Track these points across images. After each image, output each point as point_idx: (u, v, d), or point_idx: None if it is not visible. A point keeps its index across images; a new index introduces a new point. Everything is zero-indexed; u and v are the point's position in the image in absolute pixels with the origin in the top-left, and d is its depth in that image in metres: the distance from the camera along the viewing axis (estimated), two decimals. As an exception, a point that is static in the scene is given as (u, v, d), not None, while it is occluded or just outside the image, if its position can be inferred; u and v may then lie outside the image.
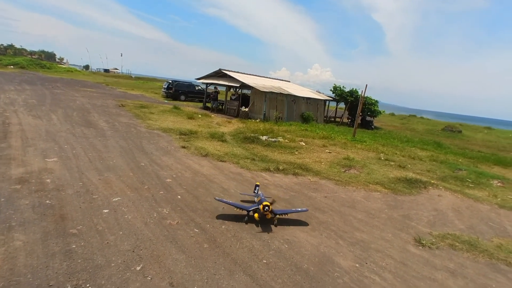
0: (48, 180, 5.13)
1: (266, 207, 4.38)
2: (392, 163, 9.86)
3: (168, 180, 5.97)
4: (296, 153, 9.98)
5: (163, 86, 28.18)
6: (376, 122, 25.87)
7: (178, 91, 26.18)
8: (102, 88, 28.32)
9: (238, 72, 21.19)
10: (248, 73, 22.44)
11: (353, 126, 17.55)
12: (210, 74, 21.68)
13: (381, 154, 11.08)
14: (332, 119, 25.72)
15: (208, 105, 22.26)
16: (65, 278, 2.86)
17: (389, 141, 15.05)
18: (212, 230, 4.15)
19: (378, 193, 6.84)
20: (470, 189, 8.00)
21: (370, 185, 7.32)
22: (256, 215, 4.49)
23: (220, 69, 20.57)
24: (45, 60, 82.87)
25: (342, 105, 26.32)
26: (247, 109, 18.68)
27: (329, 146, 11.65)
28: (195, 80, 23.59)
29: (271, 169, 7.65)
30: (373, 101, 23.52)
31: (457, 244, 4.67)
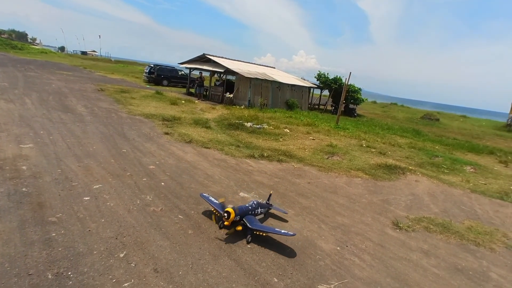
0: (23, 167, 4.93)
1: (226, 214, 3.67)
2: (373, 150, 10.13)
3: (151, 167, 5.88)
4: (281, 140, 10.05)
5: (145, 70, 27.31)
6: (359, 109, 26.32)
7: (160, 76, 25.47)
8: (79, 71, 27.07)
9: (222, 57, 20.79)
10: (233, 58, 22.07)
11: (336, 114, 17.79)
12: (194, 59, 21.16)
13: (363, 141, 11.35)
14: (316, 106, 25.94)
15: (192, 90, 21.85)
16: (45, 267, 2.80)
17: (371, 129, 15.40)
18: (196, 217, 4.16)
19: (359, 179, 7.04)
20: (445, 174, 8.38)
21: (352, 171, 7.52)
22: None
23: (204, 54, 20.10)
24: (16, 40, 77.90)
25: (326, 92, 26.52)
26: (231, 95, 18.49)
27: (313, 133, 11.79)
28: (178, 64, 23.00)
29: (256, 155, 7.69)
30: (356, 89, 23.83)
31: (431, 226, 4.92)
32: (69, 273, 2.77)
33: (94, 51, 77.50)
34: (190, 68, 22.28)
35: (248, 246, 3.64)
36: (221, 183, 5.56)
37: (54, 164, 5.30)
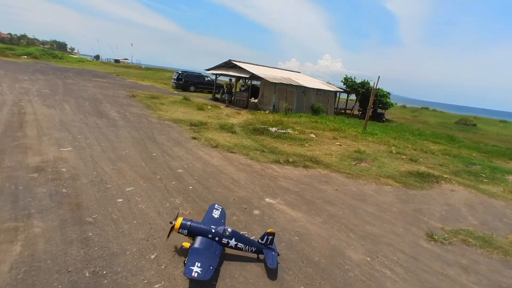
0: (63, 169, 5.25)
1: (173, 222, 3.32)
2: (404, 156, 9.72)
3: (180, 170, 6.04)
4: (306, 145, 9.93)
5: (173, 76, 28.22)
6: (388, 114, 25.45)
7: (187, 82, 26.18)
8: (112, 78, 28.55)
9: (248, 63, 21.03)
10: (258, 64, 22.25)
11: (364, 119, 17.30)
12: (220, 65, 21.58)
13: (393, 147, 10.93)
14: (343, 111, 25.40)
15: (218, 96, 22.24)
16: (83, 265, 2.95)
17: (401, 134, 14.81)
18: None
19: (389, 187, 6.77)
20: (484, 184, 7.84)
21: (381, 178, 7.25)
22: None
23: (230, 60, 20.44)
24: (57, 50, 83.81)
25: (353, 96, 25.93)
26: (256, 100, 18.60)
27: (339, 139, 11.54)
28: (205, 70, 23.55)
29: (281, 161, 7.65)
30: (385, 93, 23.10)
31: (470, 240, 4.60)
32: (104, 272, 2.90)
33: (126, 59, 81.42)
34: (216, 74, 22.74)
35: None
36: (247, 188, 5.58)
37: (90, 166, 5.60)
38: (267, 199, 5.20)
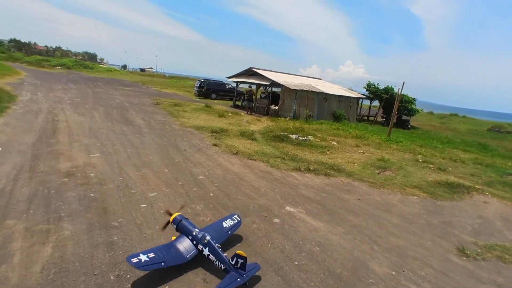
0: (92, 174, 5.49)
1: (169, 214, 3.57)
2: (431, 165, 9.30)
3: (201, 177, 6.13)
4: (328, 152, 9.77)
5: (195, 84, 28.91)
6: (413, 121, 24.55)
7: (209, 90, 26.74)
8: (138, 87, 29.73)
9: (268, 70, 21.16)
10: (279, 71, 22.33)
11: (387, 126, 16.80)
12: (240, 73, 21.87)
13: (419, 155, 10.50)
14: (365, 118, 24.81)
15: (238, 103, 22.49)
16: (108, 268, 3.04)
17: (428, 142, 14.20)
18: (243, 229, 4.19)
19: (416, 197, 6.49)
20: (521, 196, 7.31)
21: (407, 188, 6.97)
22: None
23: (250, 68, 20.68)
24: (88, 60, 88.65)
25: (376, 103, 25.30)
26: (276, 107, 18.62)
27: (362, 146, 11.26)
28: (226, 78, 23.95)
29: (302, 169, 7.56)
30: (410, 99, 22.35)
31: (506, 256, 4.29)
32: (128, 276, 2.98)
33: (151, 68, 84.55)
34: (237, 82, 23.06)
35: (296, 263, 3.55)
36: (267, 196, 5.55)
37: (116, 172, 5.82)
38: (288, 208, 5.15)
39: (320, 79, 25.61)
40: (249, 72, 21.22)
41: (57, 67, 50.56)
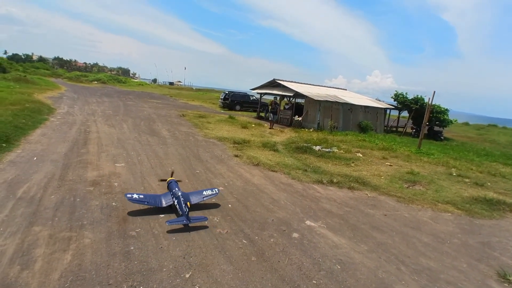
0: (115, 184, 5.66)
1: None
2: (467, 179, 8.63)
3: (220, 188, 6.10)
4: (352, 165, 9.41)
5: (220, 96, 29.55)
6: (446, 132, 23.20)
7: (233, 101, 27.18)
8: (166, 100, 30.92)
9: (291, 81, 21.15)
10: (303, 82, 22.24)
11: (418, 137, 15.99)
12: (264, 84, 22.04)
13: (453, 169, 9.81)
14: (394, 129, 23.84)
15: (262, 114, 22.58)
16: (123, 278, 3.05)
17: (463, 154, 13.27)
18: (260, 243, 4.07)
19: (449, 214, 6.00)
20: None
21: (439, 204, 6.48)
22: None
23: (274, 79, 20.78)
24: (122, 75, 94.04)
25: (405, 113, 24.28)
26: (300, 118, 18.44)
27: (389, 159, 10.75)
28: (250, 90, 24.22)
29: (324, 181, 7.31)
30: (442, 109, 21.21)
31: (558, 285, 3.78)
32: (141, 287, 2.96)
33: (179, 81, 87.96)
34: (260, 93, 23.23)
35: (314, 281, 3.35)
36: (287, 209, 5.39)
37: (139, 182, 5.96)
38: (308, 222, 4.95)
39: (345, 89, 25.13)
40: (273, 84, 21.33)
41: (94, 82, 54.10)
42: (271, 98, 20.60)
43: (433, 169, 9.64)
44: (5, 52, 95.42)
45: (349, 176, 7.93)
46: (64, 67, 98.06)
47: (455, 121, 23.63)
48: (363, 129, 18.07)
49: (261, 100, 24.73)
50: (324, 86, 23.94)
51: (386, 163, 9.94)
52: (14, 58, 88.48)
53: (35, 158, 6.66)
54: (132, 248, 3.60)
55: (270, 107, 18.64)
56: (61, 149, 7.64)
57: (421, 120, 15.05)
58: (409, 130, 22.20)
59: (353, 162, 9.70)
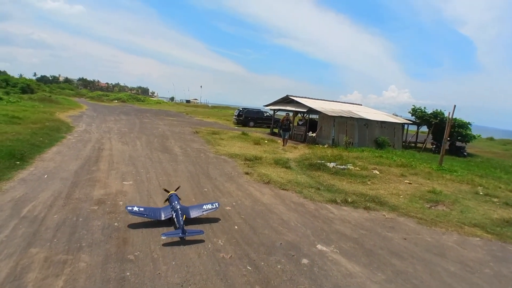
0: (120, 203, 5.55)
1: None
2: (495, 199, 7.96)
3: (228, 208, 5.86)
4: (369, 183, 8.95)
5: (234, 113, 29.76)
6: (470, 148, 22.08)
7: (247, 118, 27.29)
8: (182, 117, 31.45)
9: (305, 97, 21.01)
10: (317, 98, 22.05)
11: (438, 153, 15.23)
12: (277, 101, 22.00)
13: (479, 187, 9.12)
14: (413, 145, 22.96)
15: (275, 130, 22.40)
16: (114, 309, 2.83)
17: (489, 172, 12.43)
18: (266, 270, 3.76)
19: (478, 238, 5.45)
20: None
21: (465, 227, 5.93)
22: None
23: (287, 95, 20.72)
24: (141, 94, 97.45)
25: (424, 128, 23.44)
26: (314, 134, 18.10)
27: (409, 176, 10.18)
28: (263, 106, 24.23)
29: (338, 200, 6.92)
30: (464, 123, 20.30)
31: None
32: (133, 320, 2.72)
33: (195, 99, 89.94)
34: (274, 110, 23.17)
35: (324, 317, 2.99)
36: (297, 231, 5.06)
37: (145, 200, 5.83)
38: (319, 246, 4.59)
39: (361, 104, 24.69)
40: (286, 100, 21.24)
41: (114, 101, 56.25)
42: (284, 113, 20.03)
43: (457, 188, 9.00)
44: (35, 74, 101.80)
45: (365, 195, 7.49)
46: (87, 87, 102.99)
47: (479, 136, 22.55)
48: (379, 145, 17.47)
49: (275, 116, 24.63)
50: (339, 102, 23.61)
51: (405, 181, 9.39)
52: (43, 79, 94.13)
53: (45, 176, 6.71)
54: (128, 274, 3.38)
55: (282, 123, 16.60)
56: (72, 167, 7.69)
57: (442, 135, 14.38)
58: (429, 145, 21.30)
59: (369, 179, 9.23)
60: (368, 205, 6.79)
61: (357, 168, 10.67)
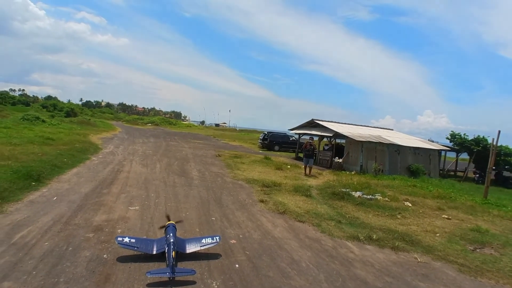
0: (119, 230, 5.21)
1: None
2: (560, 244, 6.57)
3: (233, 241, 5.29)
4: (399, 216, 7.93)
5: (260, 137, 29.59)
6: (521, 178, 19.61)
7: (272, 142, 26.94)
8: (209, 140, 31.86)
9: (331, 121, 20.29)
10: (345, 122, 21.23)
11: (482, 183, 13.58)
12: (302, 125, 21.48)
13: (537, 227, 7.69)
14: (452, 173, 20.94)
15: (300, 155, 21.68)
16: None
17: (548, 207, 10.66)
18: (261, 326, 3.11)
19: (540, 296, 4.33)
20: None
21: (522, 279, 4.79)
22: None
23: (312, 119, 20.16)
24: (174, 118, 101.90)
25: (464, 155, 21.41)
26: (341, 160, 17.14)
27: (447, 210, 8.95)
28: (288, 130, 23.79)
29: (361, 237, 6.05)
30: (511, 152, 18.20)
31: None
32: None
33: (224, 123, 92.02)
34: (299, 134, 22.61)
35: None
36: (307, 275, 4.33)
37: (145, 229, 5.45)
38: (332, 296, 3.84)
39: (392, 129, 23.35)
40: (311, 124, 20.65)
41: (148, 124, 59.05)
42: (308, 138, 18.88)
43: (507, 226, 7.67)
44: (81, 100, 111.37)
45: (393, 232, 6.54)
46: (125, 111, 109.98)
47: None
48: (413, 173, 16.04)
49: (300, 141, 24.00)
50: (368, 126, 22.51)
51: (443, 216, 8.22)
52: (87, 104, 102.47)
53: (54, 198, 6.65)
54: (96, 321, 2.92)
55: (305, 149, 14.37)
56: (84, 189, 7.63)
57: (485, 164, 12.85)
58: (470, 175, 19.27)
59: (399, 212, 8.20)
60: (396, 244, 5.85)
61: (386, 199, 9.63)
